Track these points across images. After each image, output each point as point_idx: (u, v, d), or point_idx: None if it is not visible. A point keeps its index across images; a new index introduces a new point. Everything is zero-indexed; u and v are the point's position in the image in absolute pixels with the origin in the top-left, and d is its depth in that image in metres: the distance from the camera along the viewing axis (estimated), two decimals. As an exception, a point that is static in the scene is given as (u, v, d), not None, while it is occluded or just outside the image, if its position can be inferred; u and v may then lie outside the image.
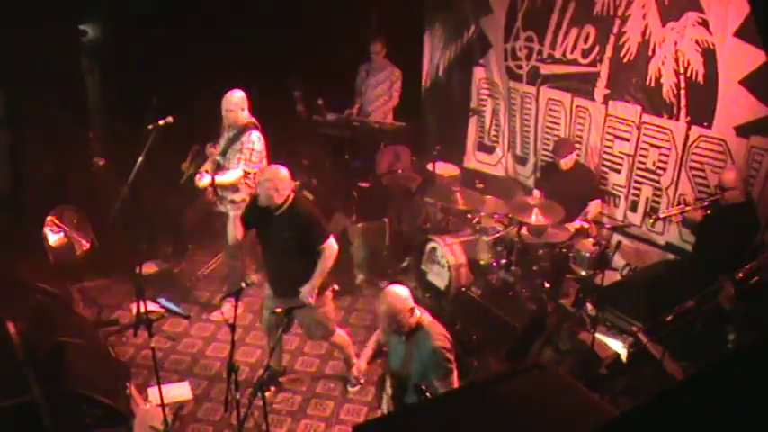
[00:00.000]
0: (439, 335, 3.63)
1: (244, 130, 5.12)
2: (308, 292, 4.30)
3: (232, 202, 5.06)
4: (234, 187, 5.13)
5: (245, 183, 5.12)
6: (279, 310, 4.04)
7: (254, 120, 5.23)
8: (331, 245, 4.30)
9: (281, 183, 4.18)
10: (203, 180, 5.04)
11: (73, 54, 6.34)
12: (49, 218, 5.78)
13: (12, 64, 5.71)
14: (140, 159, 4.95)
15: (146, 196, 6.17)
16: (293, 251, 4.27)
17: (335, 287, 4.58)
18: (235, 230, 4.39)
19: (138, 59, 6.24)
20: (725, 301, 4.12)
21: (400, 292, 3.61)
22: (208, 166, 5.27)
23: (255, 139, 5.11)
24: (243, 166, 5.07)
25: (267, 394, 4.75)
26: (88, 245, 5.90)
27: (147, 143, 4.96)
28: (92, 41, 6.55)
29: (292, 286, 4.33)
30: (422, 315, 3.69)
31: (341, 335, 4.78)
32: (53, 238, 5.77)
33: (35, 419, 3.58)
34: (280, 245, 4.30)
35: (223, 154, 5.21)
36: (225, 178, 5.10)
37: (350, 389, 4.91)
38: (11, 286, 4.78)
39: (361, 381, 4.83)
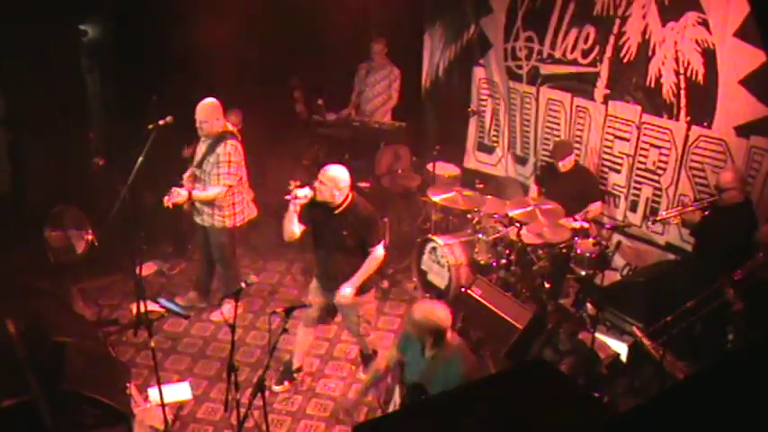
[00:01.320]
0: (468, 360, 3.57)
1: (219, 140, 5.08)
2: (348, 290, 4.40)
3: (211, 215, 5.15)
4: (213, 202, 5.14)
5: (226, 197, 5.15)
6: (279, 310, 4.04)
7: (229, 127, 5.22)
8: (380, 249, 4.44)
9: (342, 182, 4.30)
10: (179, 196, 5.01)
11: (73, 54, 6.34)
12: (49, 218, 5.77)
13: (12, 64, 5.72)
14: (140, 159, 4.95)
15: (146, 196, 6.17)
16: (348, 249, 4.39)
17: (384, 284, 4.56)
18: (292, 227, 4.38)
19: (138, 59, 6.24)
20: (734, 302, 4.12)
21: (444, 312, 3.55)
22: (187, 180, 5.24)
23: (232, 150, 5.08)
24: (224, 180, 5.08)
25: (280, 388, 4.85)
26: (88, 245, 5.90)
27: (147, 143, 4.96)
28: (92, 41, 6.54)
29: (338, 284, 4.44)
30: (453, 335, 3.65)
31: (371, 337, 4.90)
32: (53, 238, 5.76)
33: (35, 419, 3.58)
34: (335, 242, 4.39)
35: (199, 166, 5.16)
36: (206, 194, 5.12)
37: (361, 375, 4.99)
38: (11, 286, 4.78)
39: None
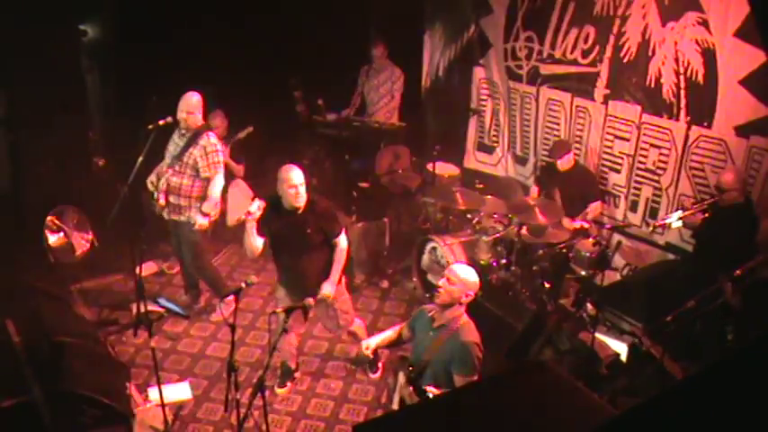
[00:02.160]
0: (476, 334, 3.68)
1: (199, 132, 5.09)
2: (330, 287, 4.42)
3: (188, 208, 5.14)
4: (198, 194, 5.16)
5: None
6: (279, 310, 4.04)
7: (204, 122, 5.24)
8: (343, 238, 4.49)
9: (305, 182, 4.33)
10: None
11: (73, 54, 6.35)
12: (49, 218, 5.78)
13: (12, 64, 5.72)
14: (140, 159, 4.95)
15: (146, 196, 6.17)
16: (313, 247, 4.40)
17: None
18: (254, 242, 4.36)
19: (138, 59, 6.24)
20: (732, 301, 4.12)
21: (475, 275, 3.77)
22: (155, 176, 5.23)
23: (215, 141, 5.13)
24: (218, 169, 5.12)
25: (282, 390, 4.85)
26: (88, 245, 5.90)
27: (147, 143, 4.96)
28: (92, 41, 6.55)
29: (310, 284, 4.42)
30: (463, 312, 3.75)
31: (358, 323, 4.89)
32: (53, 238, 5.77)
33: (35, 419, 3.58)
34: (300, 243, 4.38)
35: (178, 158, 5.12)
36: (214, 193, 5.16)
37: (370, 374, 5.02)
38: (11, 286, 4.78)
39: (369, 357, 4.51)
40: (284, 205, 4.31)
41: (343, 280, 4.68)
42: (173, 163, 5.13)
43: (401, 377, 3.84)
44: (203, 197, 5.16)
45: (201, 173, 5.10)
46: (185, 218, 5.21)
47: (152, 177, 5.26)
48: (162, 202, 5.19)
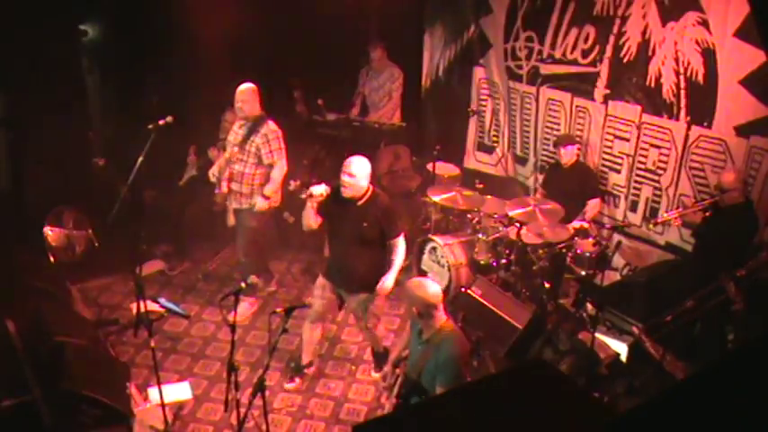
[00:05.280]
0: (462, 345, 3.64)
1: (260, 120, 5.20)
2: (388, 283, 4.46)
3: (250, 196, 5.20)
4: (250, 183, 5.23)
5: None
6: (279, 309, 4.04)
7: (264, 112, 5.31)
8: (402, 240, 4.48)
9: (368, 173, 4.34)
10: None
11: (73, 54, 6.34)
12: (48, 218, 5.78)
13: (12, 64, 5.72)
14: (140, 159, 4.95)
15: (146, 196, 6.17)
16: (366, 241, 4.41)
17: None
18: (309, 220, 4.44)
19: (138, 59, 6.24)
20: (735, 299, 4.12)
21: (433, 288, 3.66)
22: (217, 168, 5.32)
23: (275, 127, 5.22)
24: (280, 156, 5.20)
25: (293, 386, 4.86)
26: (88, 244, 5.90)
27: (147, 143, 4.96)
28: (92, 41, 6.55)
29: (353, 278, 4.48)
30: (448, 320, 3.71)
31: (381, 327, 4.92)
32: (53, 238, 5.76)
33: (35, 419, 3.58)
34: (354, 235, 4.39)
35: (241, 145, 5.22)
36: (276, 177, 5.23)
37: (373, 374, 5.01)
38: (11, 286, 4.78)
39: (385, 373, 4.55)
40: (342, 194, 4.34)
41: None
42: (237, 149, 5.23)
43: (395, 388, 3.84)
44: (264, 184, 5.25)
45: (265, 159, 5.19)
46: (248, 205, 5.30)
47: (213, 170, 5.41)
48: (225, 189, 5.30)
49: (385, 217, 4.39)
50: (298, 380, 4.91)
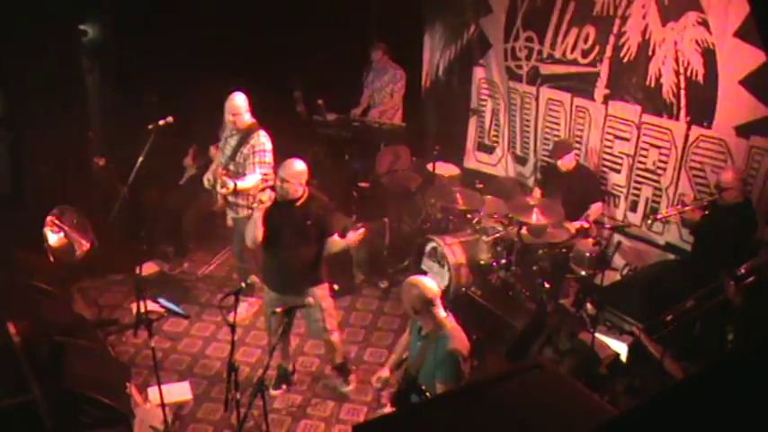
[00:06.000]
0: (461, 340, 3.63)
1: (250, 132, 5.08)
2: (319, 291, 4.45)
3: (247, 207, 5.07)
4: (246, 193, 5.08)
5: (264, 185, 5.09)
6: (279, 309, 4.04)
7: (255, 120, 5.21)
8: (338, 239, 4.48)
9: (304, 175, 4.35)
10: (227, 186, 4.96)
11: (73, 54, 6.34)
12: (49, 218, 5.77)
13: (12, 64, 5.72)
14: (140, 159, 4.95)
15: (146, 196, 6.17)
16: (308, 241, 4.40)
17: (335, 287, 4.60)
18: (257, 230, 4.39)
19: (138, 59, 6.24)
20: (733, 297, 4.12)
21: (429, 283, 3.68)
22: (212, 174, 5.23)
23: (265, 140, 5.08)
24: (260, 169, 5.05)
25: (278, 393, 4.81)
26: (88, 245, 5.89)
27: (147, 143, 4.96)
28: (92, 41, 6.54)
29: (299, 281, 4.43)
30: (447, 317, 3.70)
31: (336, 335, 4.81)
32: (53, 238, 5.76)
33: (35, 419, 3.58)
34: (296, 237, 4.39)
35: (232, 158, 5.13)
36: (245, 183, 5.05)
37: (343, 389, 4.88)
38: (11, 286, 4.78)
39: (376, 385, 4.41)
40: (280, 198, 4.33)
41: (327, 282, 4.65)
42: (227, 163, 5.14)
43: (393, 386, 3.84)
44: (258, 191, 5.09)
45: (248, 169, 5.07)
46: (244, 214, 5.19)
47: (208, 175, 5.29)
48: (221, 201, 5.22)
49: (326, 213, 4.43)
50: (284, 386, 4.87)
